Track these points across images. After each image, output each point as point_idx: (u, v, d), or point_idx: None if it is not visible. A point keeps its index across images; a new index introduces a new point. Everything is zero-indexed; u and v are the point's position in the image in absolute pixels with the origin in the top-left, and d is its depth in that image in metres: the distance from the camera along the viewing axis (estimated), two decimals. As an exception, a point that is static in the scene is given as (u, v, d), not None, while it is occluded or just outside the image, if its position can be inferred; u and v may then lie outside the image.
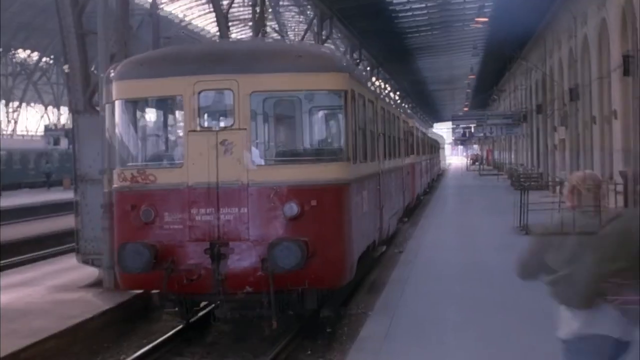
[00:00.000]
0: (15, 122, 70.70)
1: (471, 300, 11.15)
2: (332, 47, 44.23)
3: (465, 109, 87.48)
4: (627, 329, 4.55)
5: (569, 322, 4.60)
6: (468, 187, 41.61)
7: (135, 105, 10.46)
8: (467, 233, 19.53)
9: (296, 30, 49.62)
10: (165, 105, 10.69)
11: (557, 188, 27.17)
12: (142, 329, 11.58)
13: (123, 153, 10.35)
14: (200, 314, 11.30)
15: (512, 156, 61.89)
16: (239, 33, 53.44)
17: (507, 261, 12.37)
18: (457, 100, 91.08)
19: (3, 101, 68.10)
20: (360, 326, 10.11)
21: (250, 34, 30.22)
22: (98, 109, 13.10)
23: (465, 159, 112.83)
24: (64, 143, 55.22)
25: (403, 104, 52.15)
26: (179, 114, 10.21)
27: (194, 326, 10.88)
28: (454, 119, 57.37)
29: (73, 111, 13.97)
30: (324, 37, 32.58)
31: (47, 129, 60.87)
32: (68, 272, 14.60)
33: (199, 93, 9.74)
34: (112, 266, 11.94)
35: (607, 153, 22.78)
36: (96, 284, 13.09)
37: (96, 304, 11.74)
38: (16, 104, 70.80)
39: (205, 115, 9.97)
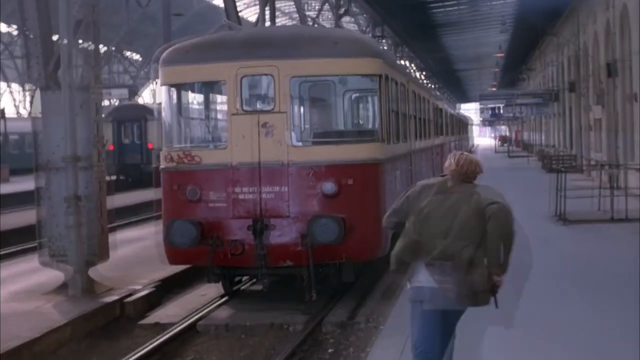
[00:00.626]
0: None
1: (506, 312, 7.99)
2: (353, 24, 44.13)
3: (493, 89, 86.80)
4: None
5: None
6: (497, 169, 38.40)
7: (181, 90, 11.08)
8: None
9: (313, 4, 48.37)
10: (210, 89, 11.35)
11: (595, 171, 25.89)
12: (106, 350, 9.68)
13: (169, 135, 10.99)
14: (240, 287, 11.91)
15: (542, 137, 58.96)
16: (248, 9, 53.09)
17: (546, 260, 11.94)
18: (484, 80, 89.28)
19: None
20: (370, 345, 8.59)
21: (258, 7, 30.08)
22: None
23: (493, 140, 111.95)
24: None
25: (429, 85, 51.36)
26: (222, 98, 10.79)
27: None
28: (482, 98, 56.15)
29: (33, 87, 12.65)
30: (341, 12, 31.98)
31: None
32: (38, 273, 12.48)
33: (242, 78, 10.35)
34: (81, 269, 11.21)
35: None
36: (62, 288, 11.49)
37: (53, 317, 10.04)
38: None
39: (248, 99, 10.55)
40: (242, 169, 10.29)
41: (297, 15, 33.58)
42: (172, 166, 10.72)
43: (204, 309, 10.92)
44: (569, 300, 9.79)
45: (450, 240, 5.41)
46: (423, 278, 5.58)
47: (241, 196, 10.32)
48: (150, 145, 37.82)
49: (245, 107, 10.46)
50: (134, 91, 57.54)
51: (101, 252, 11.82)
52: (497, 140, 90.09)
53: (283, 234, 10.23)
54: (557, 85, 45.63)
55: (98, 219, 11.67)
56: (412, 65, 54.26)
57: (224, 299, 11.35)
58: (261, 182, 10.24)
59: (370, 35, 34.33)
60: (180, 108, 11.21)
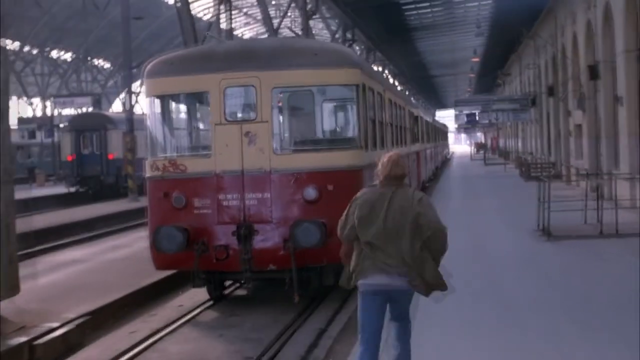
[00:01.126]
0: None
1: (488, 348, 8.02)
2: (325, 30, 43.98)
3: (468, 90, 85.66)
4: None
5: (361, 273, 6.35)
6: (474, 177, 38.25)
7: (166, 101, 11.51)
8: (475, 237, 16.06)
9: (282, 8, 48.79)
10: (194, 100, 11.77)
11: (579, 180, 25.03)
12: None
13: (155, 145, 11.40)
14: (227, 291, 12.30)
15: (519, 144, 58.00)
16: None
17: (529, 284, 10.65)
18: (460, 86, 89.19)
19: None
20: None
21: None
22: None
23: (469, 147, 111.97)
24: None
25: (404, 92, 51.44)
26: (206, 108, 11.22)
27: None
28: (457, 103, 53.44)
29: None
30: (310, 14, 31.59)
31: (20, 120, 59.26)
32: None
33: (225, 88, 10.79)
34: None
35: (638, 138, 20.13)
36: None
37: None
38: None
39: (231, 109, 10.98)
40: (226, 177, 10.73)
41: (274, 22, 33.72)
42: (157, 174, 11.13)
43: (130, 351, 9.48)
44: (557, 335, 8.31)
45: (401, 244, 6.01)
46: (376, 278, 6.13)
47: (225, 203, 10.75)
48: (110, 156, 36.91)
49: (228, 117, 10.92)
50: (98, 100, 56.71)
51: (10, 286, 10.28)
52: (473, 148, 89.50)
53: (266, 238, 10.67)
54: (534, 90, 44.96)
55: (6, 246, 10.18)
56: (386, 70, 53.85)
57: (154, 339, 10.18)
58: (245, 189, 10.69)
59: (340, 39, 34.42)
60: (165, 118, 11.63)
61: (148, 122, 11.57)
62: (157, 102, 11.52)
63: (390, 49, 49.88)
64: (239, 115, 11.21)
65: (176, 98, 11.87)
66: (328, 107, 12.36)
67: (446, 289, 6.27)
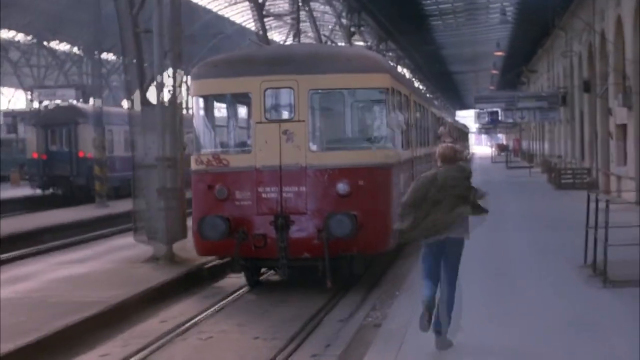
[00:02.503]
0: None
1: None
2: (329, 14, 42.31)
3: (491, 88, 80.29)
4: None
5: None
6: (495, 183, 32.59)
7: (211, 101, 12.72)
8: (499, 277, 11.91)
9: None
10: (236, 100, 12.99)
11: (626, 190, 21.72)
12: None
13: (200, 141, 12.60)
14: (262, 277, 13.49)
15: (546, 146, 53.41)
16: (275, 29, 54.58)
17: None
18: (481, 84, 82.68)
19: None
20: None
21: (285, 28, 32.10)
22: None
23: (490, 149, 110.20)
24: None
25: (423, 90, 50.70)
26: (248, 108, 12.38)
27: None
28: (477, 100, 49.14)
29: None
30: (352, 31, 33.20)
31: (5, 114, 57.52)
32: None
33: (265, 90, 11.97)
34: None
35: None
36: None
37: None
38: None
39: (271, 109, 12.16)
40: (265, 171, 11.93)
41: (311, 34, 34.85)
42: (202, 168, 12.35)
43: None
44: None
45: (452, 205, 7.85)
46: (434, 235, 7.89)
47: (264, 195, 11.97)
48: (81, 154, 33.25)
49: (268, 116, 12.11)
50: (85, 92, 53.79)
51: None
52: (494, 149, 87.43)
53: (302, 228, 11.89)
54: (564, 88, 40.58)
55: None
56: (399, 66, 51.20)
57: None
58: (282, 182, 11.90)
59: (345, 24, 34.06)
60: (210, 116, 12.81)
61: (193, 120, 12.74)
62: (202, 101, 12.73)
63: (404, 39, 46.31)
64: (278, 114, 12.34)
65: (220, 98, 13.08)
66: (360, 108, 13.53)
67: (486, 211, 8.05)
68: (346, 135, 13.40)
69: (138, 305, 11.62)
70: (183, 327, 10.55)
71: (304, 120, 12.01)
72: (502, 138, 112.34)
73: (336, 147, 12.60)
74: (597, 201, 11.95)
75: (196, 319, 11.02)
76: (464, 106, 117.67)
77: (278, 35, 60.14)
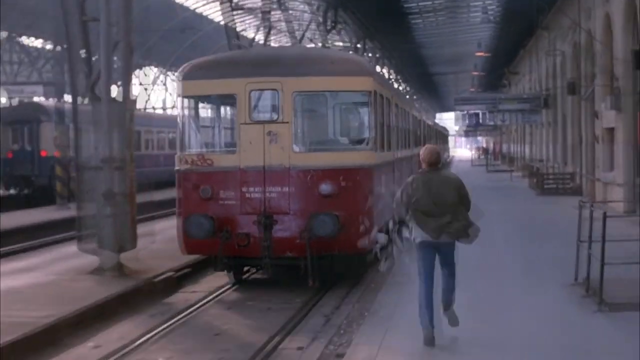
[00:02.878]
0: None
1: None
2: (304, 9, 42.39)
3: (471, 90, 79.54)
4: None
5: (418, 234, 8.65)
6: (476, 187, 22.03)
7: (196, 101, 13.00)
8: (484, 297, 10.89)
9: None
10: (222, 101, 13.25)
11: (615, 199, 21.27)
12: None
13: (185, 141, 12.87)
14: (246, 276, 13.76)
15: (526, 150, 53.32)
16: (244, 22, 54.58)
17: None
18: (461, 86, 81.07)
19: None
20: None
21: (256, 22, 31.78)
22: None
23: (470, 152, 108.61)
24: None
25: (404, 92, 50.62)
26: (233, 109, 12.67)
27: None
28: (457, 102, 47.28)
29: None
30: (328, 27, 32.48)
31: None
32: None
33: (250, 92, 12.28)
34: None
35: None
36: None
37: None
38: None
39: (255, 110, 12.47)
40: (249, 171, 12.24)
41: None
42: (187, 168, 12.62)
43: None
44: None
45: (447, 214, 8.58)
46: (424, 235, 8.65)
47: (248, 195, 12.27)
48: (44, 153, 32.09)
49: (253, 117, 12.39)
50: (57, 87, 52.37)
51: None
52: (474, 152, 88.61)
53: (285, 228, 12.20)
54: (547, 90, 40.12)
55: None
56: (378, 64, 51.51)
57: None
58: (266, 182, 12.21)
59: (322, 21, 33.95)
60: (195, 117, 13.08)
61: (179, 120, 13.01)
62: (188, 102, 12.98)
63: (383, 38, 45.42)
64: (263, 116, 12.63)
65: (206, 99, 13.34)
66: (343, 111, 13.85)
67: (478, 230, 8.70)
68: (329, 137, 13.74)
69: (71, 328, 10.40)
70: (118, 355, 9.33)
71: (288, 122, 12.32)
72: (482, 141, 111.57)
73: (319, 149, 12.94)
74: (591, 211, 10.74)
75: (137, 343, 9.80)
76: (445, 108, 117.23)
77: (252, 32, 60.02)
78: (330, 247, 12.22)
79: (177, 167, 12.95)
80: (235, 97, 12.57)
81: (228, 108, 13.65)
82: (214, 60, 13.44)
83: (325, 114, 13.72)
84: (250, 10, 29.88)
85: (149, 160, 37.20)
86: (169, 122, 42.61)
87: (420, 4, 39.24)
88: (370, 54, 46.53)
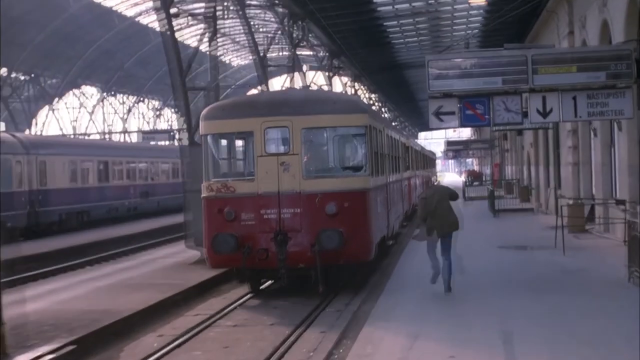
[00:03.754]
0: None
1: None
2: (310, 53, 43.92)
3: None
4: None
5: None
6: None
7: (219, 138, 15.54)
8: None
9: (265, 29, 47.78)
10: (241, 137, 15.79)
11: None
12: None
13: (210, 171, 15.35)
14: (263, 286, 16.23)
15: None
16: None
17: None
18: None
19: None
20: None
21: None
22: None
23: (459, 176, 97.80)
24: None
25: (394, 122, 51.48)
26: (251, 144, 15.18)
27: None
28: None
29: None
30: (296, 41, 34.20)
31: None
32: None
33: (265, 129, 14.79)
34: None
35: None
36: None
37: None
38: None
39: (270, 145, 14.98)
40: (266, 196, 14.76)
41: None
42: (212, 195, 15.07)
43: None
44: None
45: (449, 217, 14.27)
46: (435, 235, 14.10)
47: (265, 216, 14.77)
48: None
49: (268, 150, 14.89)
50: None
51: None
52: (464, 177, 73.72)
53: (297, 243, 14.70)
54: None
55: None
56: (356, 82, 52.76)
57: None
58: (281, 205, 14.68)
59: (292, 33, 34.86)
60: (219, 151, 15.61)
61: (204, 154, 15.51)
62: (212, 138, 15.50)
63: (359, 55, 46.02)
64: (277, 149, 15.17)
65: (227, 136, 15.85)
66: (344, 143, 16.46)
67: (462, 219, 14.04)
68: (333, 165, 16.33)
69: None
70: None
71: (297, 154, 14.87)
72: (473, 163, 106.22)
73: (325, 175, 15.52)
74: None
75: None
76: (428, 128, 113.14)
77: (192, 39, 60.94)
78: (337, 258, 14.74)
79: (203, 195, 15.44)
80: (253, 133, 15.10)
81: (247, 143, 16.17)
82: (232, 102, 16.09)
83: (328, 146, 16.30)
84: (193, 16, 27.98)
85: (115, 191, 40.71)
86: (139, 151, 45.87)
87: (403, 28, 40.32)
88: (342, 71, 48.00)
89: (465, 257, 17.49)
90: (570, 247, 19.48)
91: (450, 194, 14.61)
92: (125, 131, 74.57)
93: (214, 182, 15.41)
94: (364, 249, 15.13)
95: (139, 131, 71.00)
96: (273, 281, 16.44)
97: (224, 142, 16.21)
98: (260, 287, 16.40)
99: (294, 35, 34.26)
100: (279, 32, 36.28)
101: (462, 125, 16.53)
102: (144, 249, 26.50)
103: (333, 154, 16.45)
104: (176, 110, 76.66)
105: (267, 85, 30.19)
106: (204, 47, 25.81)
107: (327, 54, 41.94)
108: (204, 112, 15.88)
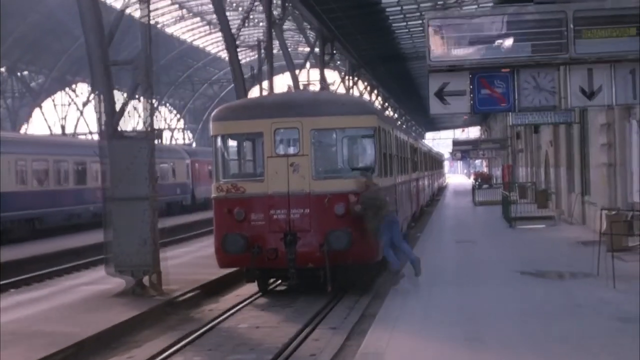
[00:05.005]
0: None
1: None
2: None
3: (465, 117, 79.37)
4: None
5: None
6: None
7: (229, 139, 16.07)
8: None
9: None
10: (251, 138, 16.31)
11: None
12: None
13: (221, 172, 15.86)
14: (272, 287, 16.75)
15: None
16: (246, 56, 57.56)
17: None
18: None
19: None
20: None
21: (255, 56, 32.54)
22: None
23: (467, 178, 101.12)
24: None
25: (402, 123, 51.12)
26: (261, 144, 15.70)
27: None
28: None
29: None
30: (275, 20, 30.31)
31: None
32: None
33: (275, 130, 15.30)
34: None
35: None
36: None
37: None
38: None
39: (280, 145, 15.51)
40: (276, 197, 15.31)
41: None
42: (222, 195, 15.61)
43: None
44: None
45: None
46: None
47: (275, 216, 15.33)
48: None
49: (278, 151, 15.42)
50: None
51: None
52: (472, 179, 73.04)
53: (306, 243, 15.28)
54: None
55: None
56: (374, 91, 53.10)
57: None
58: (290, 205, 15.19)
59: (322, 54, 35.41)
60: (229, 152, 16.13)
61: (214, 155, 16.04)
62: (222, 139, 16.03)
63: (375, 66, 47.46)
64: (286, 150, 15.70)
65: (237, 137, 16.39)
66: (353, 144, 16.98)
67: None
68: (342, 166, 16.89)
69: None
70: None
71: (307, 155, 15.43)
72: (482, 164, 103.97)
73: (334, 176, 16.12)
74: None
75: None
76: (435, 127, 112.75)
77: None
78: (345, 258, 15.29)
79: (213, 195, 15.96)
80: (262, 134, 15.61)
81: (256, 144, 16.69)
82: (243, 103, 16.65)
83: (337, 147, 16.86)
84: (251, 47, 30.17)
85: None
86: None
87: (417, 48, 40.76)
88: (364, 82, 48.25)
89: (477, 289, 14.79)
90: (619, 274, 14.53)
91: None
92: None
93: (223, 182, 15.96)
94: (372, 250, 15.65)
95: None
96: (281, 281, 16.99)
97: (233, 143, 16.75)
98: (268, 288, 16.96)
99: (274, 14, 30.24)
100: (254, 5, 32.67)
101: (475, 110, 13.05)
102: (75, 270, 22.31)
103: (342, 155, 17.00)
104: (97, 93, 76.00)
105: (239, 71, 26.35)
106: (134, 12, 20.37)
107: (317, 40, 38.74)
108: (214, 113, 16.47)
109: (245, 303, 15.76)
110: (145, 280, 16.42)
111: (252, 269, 15.77)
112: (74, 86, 72.91)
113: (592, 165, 24.93)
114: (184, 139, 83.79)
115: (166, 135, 77.54)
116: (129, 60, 17.85)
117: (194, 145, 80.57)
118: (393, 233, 15.51)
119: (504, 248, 21.79)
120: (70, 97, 73.57)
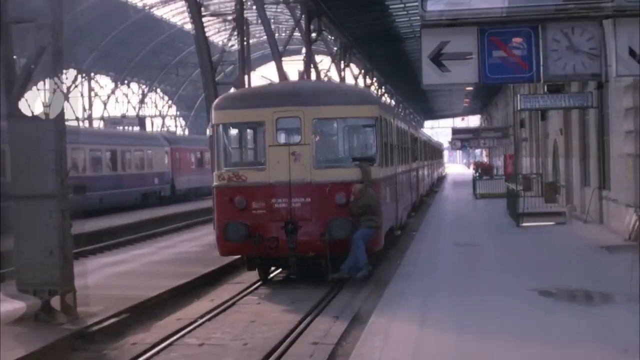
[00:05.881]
0: None
1: None
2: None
3: (466, 101, 78.23)
4: None
5: None
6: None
7: (231, 128, 16.44)
8: None
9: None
10: (253, 127, 16.69)
11: None
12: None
13: (222, 160, 16.23)
14: (272, 275, 17.15)
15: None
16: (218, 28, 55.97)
17: None
18: (454, 91, 72.48)
19: None
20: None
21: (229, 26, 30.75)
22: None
23: (467, 168, 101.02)
24: None
25: (401, 112, 50.76)
26: (262, 133, 16.08)
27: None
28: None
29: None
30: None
31: None
32: None
33: (277, 119, 15.69)
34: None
35: None
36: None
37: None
38: None
39: (281, 134, 15.86)
40: (277, 186, 15.72)
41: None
42: (224, 183, 15.98)
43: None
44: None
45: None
46: None
47: (276, 205, 15.76)
48: None
49: (279, 140, 15.82)
50: None
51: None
52: (472, 169, 70.42)
53: (307, 232, 15.72)
54: None
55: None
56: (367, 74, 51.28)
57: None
58: (291, 194, 15.61)
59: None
60: (230, 140, 16.50)
61: (215, 144, 16.41)
62: (224, 128, 16.41)
63: (369, 48, 44.52)
64: (287, 139, 16.07)
65: (238, 126, 16.76)
66: (354, 134, 17.36)
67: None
68: (343, 156, 17.31)
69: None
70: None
71: (308, 144, 15.83)
72: (482, 154, 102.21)
73: (335, 166, 16.55)
74: None
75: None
76: (434, 116, 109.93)
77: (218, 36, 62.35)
78: (345, 247, 15.70)
79: (214, 183, 16.34)
80: (264, 123, 15.98)
81: (258, 133, 17.07)
82: (245, 92, 17.07)
83: (339, 136, 17.22)
84: (220, 15, 28.63)
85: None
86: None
87: (415, 28, 38.77)
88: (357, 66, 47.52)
89: (482, 315, 11.56)
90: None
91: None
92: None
93: (225, 171, 16.35)
94: (372, 239, 16.02)
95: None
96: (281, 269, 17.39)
97: (235, 131, 17.12)
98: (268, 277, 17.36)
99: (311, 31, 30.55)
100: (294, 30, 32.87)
101: (484, 79, 9.97)
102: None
103: (343, 144, 17.41)
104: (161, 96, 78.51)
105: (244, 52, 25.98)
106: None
107: (336, 47, 38.73)
108: (215, 102, 16.87)
109: (185, 330, 12.46)
110: (56, 301, 12.79)
111: (253, 257, 16.19)
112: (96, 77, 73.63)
113: (613, 156, 21.86)
114: (175, 126, 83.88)
115: (158, 122, 77.67)
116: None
117: (186, 132, 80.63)
118: (365, 235, 15.52)
119: (514, 255, 18.68)
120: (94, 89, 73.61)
